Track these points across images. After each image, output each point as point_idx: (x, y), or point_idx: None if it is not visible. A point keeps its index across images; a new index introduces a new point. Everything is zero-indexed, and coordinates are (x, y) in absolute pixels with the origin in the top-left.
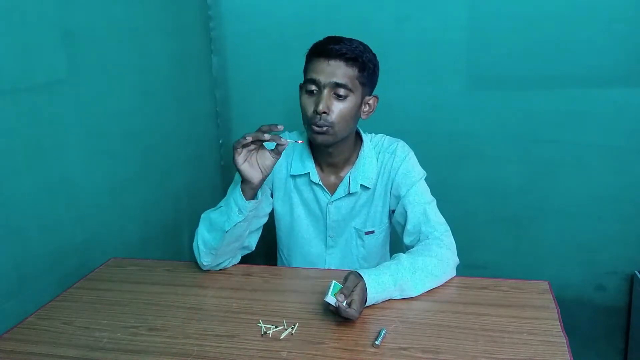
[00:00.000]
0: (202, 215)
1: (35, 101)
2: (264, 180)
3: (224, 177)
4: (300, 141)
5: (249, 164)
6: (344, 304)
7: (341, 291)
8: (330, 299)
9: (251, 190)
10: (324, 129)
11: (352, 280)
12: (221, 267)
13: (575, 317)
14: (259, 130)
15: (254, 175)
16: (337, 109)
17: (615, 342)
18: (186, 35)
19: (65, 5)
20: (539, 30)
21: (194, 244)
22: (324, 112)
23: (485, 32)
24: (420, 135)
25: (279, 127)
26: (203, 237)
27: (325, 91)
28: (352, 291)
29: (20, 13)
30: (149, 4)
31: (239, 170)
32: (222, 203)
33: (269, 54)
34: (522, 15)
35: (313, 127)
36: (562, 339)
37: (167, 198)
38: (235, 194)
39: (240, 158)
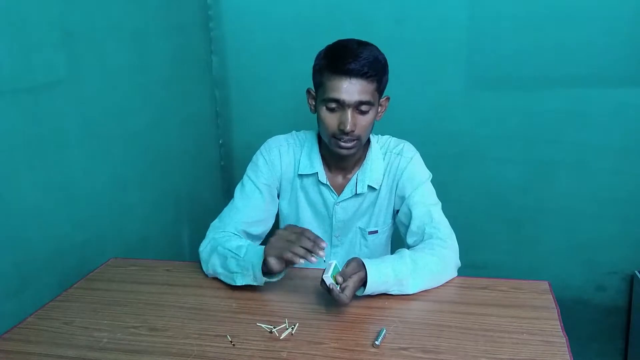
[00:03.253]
0: (214, 243)
1: (35, 101)
2: None
3: (224, 177)
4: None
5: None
6: (338, 288)
7: (339, 274)
8: (328, 278)
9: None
10: (352, 143)
11: (353, 268)
12: None
13: (575, 317)
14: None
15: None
16: (362, 124)
17: (615, 342)
18: (186, 35)
19: (65, 5)
20: (539, 30)
21: (204, 265)
22: (352, 131)
23: (485, 32)
24: (420, 135)
25: (323, 245)
26: (215, 269)
27: (350, 110)
28: (349, 278)
29: (20, 13)
30: (148, 4)
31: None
32: (240, 251)
33: (269, 54)
34: (522, 15)
35: (339, 142)
36: (562, 339)
37: (167, 198)
38: (256, 267)
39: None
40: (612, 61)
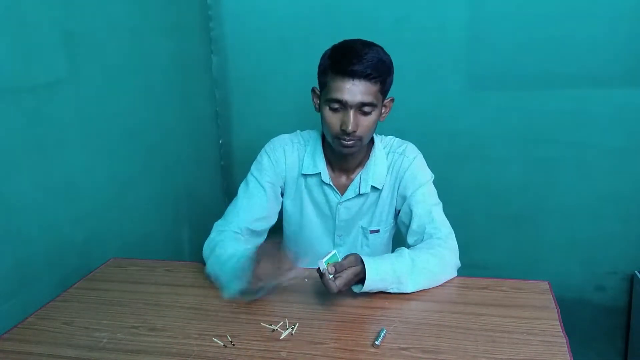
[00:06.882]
0: (213, 244)
1: (35, 101)
2: None
3: (224, 177)
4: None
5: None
6: (331, 276)
7: (334, 264)
8: (322, 264)
9: None
10: (352, 142)
11: (350, 261)
12: None
13: (575, 317)
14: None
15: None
16: (364, 124)
17: (615, 342)
18: (186, 35)
19: (65, 5)
20: (539, 30)
21: (206, 267)
22: (354, 131)
23: (485, 32)
24: (420, 135)
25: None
26: (214, 271)
27: (352, 111)
28: (344, 270)
29: (20, 13)
30: (148, 4)
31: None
32: (229, 258)
33: (269, 54)
34: (522, 15)
35: (342, 142)
36: (562, 339)
37: (167, 198)
38: (240, 282)
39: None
40: (612, 61)
